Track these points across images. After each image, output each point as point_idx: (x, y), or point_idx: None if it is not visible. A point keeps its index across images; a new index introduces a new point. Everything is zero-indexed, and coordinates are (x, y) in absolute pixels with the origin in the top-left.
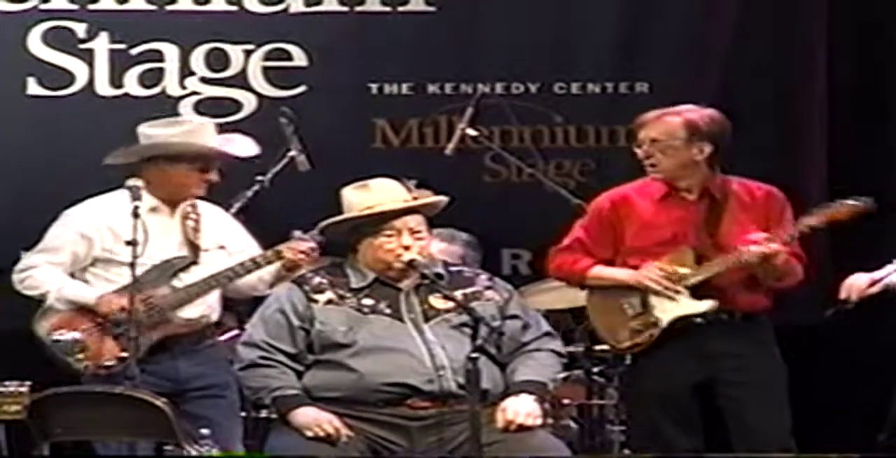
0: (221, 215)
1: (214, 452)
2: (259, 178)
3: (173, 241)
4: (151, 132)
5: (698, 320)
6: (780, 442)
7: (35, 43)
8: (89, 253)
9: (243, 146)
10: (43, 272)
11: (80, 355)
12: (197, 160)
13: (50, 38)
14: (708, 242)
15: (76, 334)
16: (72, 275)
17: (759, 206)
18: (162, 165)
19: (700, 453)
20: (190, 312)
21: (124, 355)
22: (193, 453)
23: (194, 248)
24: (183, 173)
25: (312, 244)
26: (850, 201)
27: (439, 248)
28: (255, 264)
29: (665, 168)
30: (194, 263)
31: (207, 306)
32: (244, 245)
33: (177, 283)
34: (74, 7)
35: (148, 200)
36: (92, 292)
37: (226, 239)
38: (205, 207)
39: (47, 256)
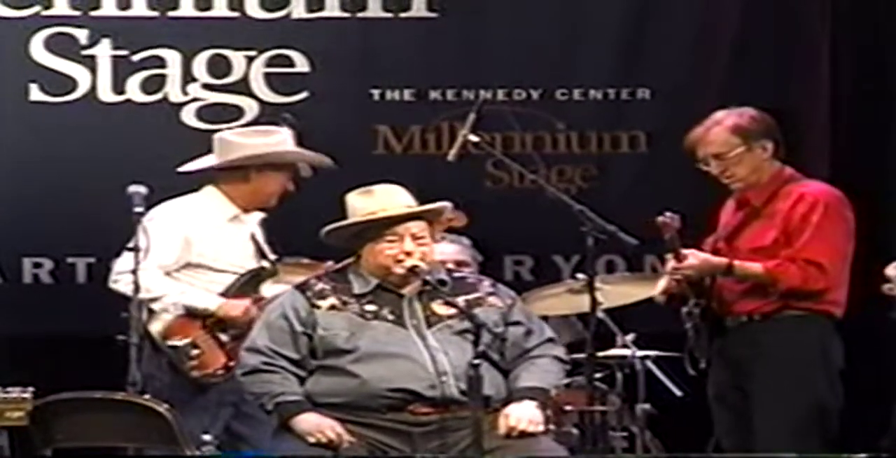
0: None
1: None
2: None
3: (249, 250)
4: (240, 140)
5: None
6: (777, 445)
7: (37, 49)
8: (185, 257)
9: (318, 157)
10: (151, 276)
11: (194, 362)
12: (285, 169)
13: (52, 45)
14: (725, 247)
15: (190, 341)
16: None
17: (786, 210)
18: (251, 174)
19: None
20: None
21: (232, 364)
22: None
23: (264, 257)
24: (270, 182)
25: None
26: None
27: (454, 250)
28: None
29: (741, 176)
30: (276, 273)
31: None
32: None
33: (264, 292)
34: (76, 13)
35: (228, 208)
36: (212, 300)
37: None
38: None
39: (155, 258)
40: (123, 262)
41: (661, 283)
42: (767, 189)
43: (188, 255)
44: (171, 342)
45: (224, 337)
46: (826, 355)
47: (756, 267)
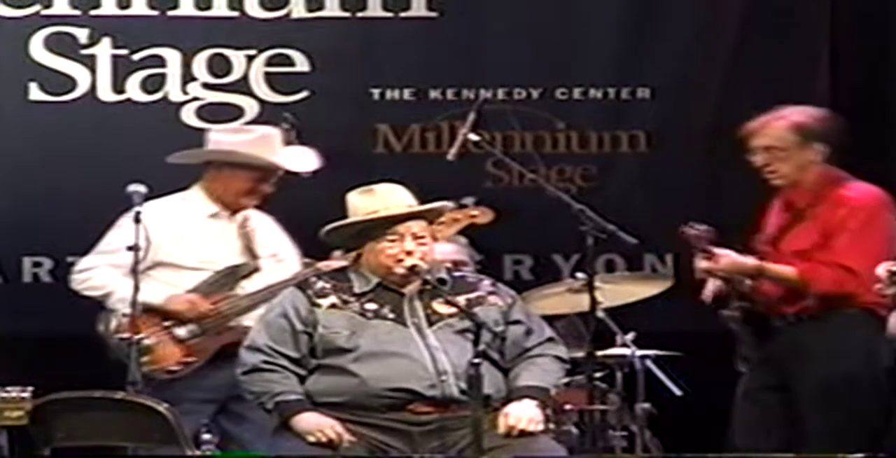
0: (271, 223)
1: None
2: None
3: (234, 247)
4: (218, 137)
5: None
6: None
7: (37, 48)
8: (151, 257)
9: (305, 160)
10: (103, 274)
11: (145, 359)
12: (256, 170)
13: (52, 44)
14: (769, 249)
15: (142, 337)
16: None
17: (827, 214)
18: (224, 172)
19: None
20: (252, 320)
21: (189, 359)
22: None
23: (253, 255)
24: (240, 182)
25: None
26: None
27: (451, 249)
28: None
29: (785, 174)
30: (256, 270)
31: None
32: (291, 254)
33: (239, 290)
34: (76, 13)
35: (208, 206)
36: (159, 295)
37: (277, 247)
38: (256, 216)
39: (107, 257)
40: (84, 260)
41: (709, 286)
42: (812, 191)
43: (155, 254)
44: (119, 337)
45: (181, 333)
46: (872, 354)
47: (788, 270)
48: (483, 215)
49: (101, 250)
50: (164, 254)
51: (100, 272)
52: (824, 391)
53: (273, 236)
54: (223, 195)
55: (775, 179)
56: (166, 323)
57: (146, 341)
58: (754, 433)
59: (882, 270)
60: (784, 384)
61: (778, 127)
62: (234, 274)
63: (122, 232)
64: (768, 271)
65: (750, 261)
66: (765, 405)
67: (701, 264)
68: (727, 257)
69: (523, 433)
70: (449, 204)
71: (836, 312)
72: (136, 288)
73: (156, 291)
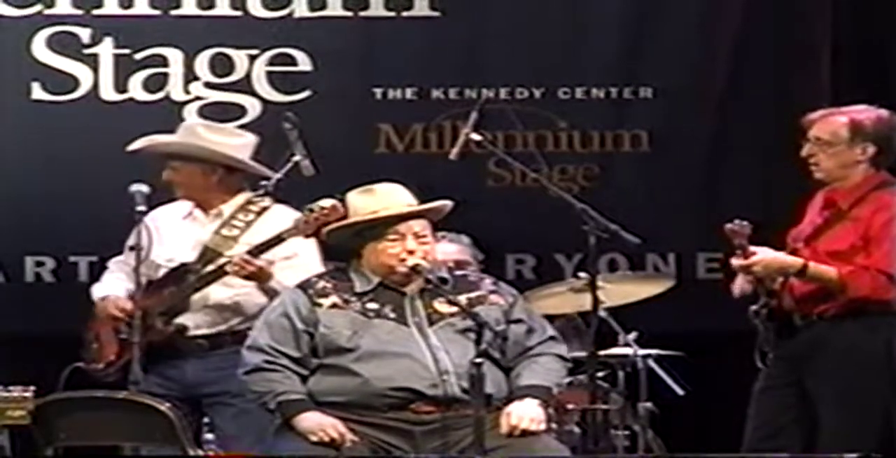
0: (280, 224)
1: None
2: (263, 182)
3: (196, 246)
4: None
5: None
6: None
7: (39, 48)
8: (147, 255)
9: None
10: (106, 273)
11: (92, 355)
12: (197, 162)
13: (54, 43)
14: (804, 247)
15: (93, 334)
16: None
17: (868, 217)
18: (175, 165)
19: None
20: (184, 319)
21: (113, 359)
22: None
23: (215, 255)
24: (179, 174)
25: (259, 264)
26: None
27: (454, 249)
28: (214, 275)
29: (826, 168)
30: (192, 270)
31: (208, 316)
32: (293, 255)
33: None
34: (79, 12)
35: (186, 204)
36: (101, 293)
37: (292, 248)
38: (275, 214)
39: (119, 257)
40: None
41: (738, 282)
42: (856, 193)
43: (147, 254)
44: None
45: (122, 332)
46: (892, 357)
47: (830, 271)
48: (334, 212)
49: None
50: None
51: (107, 272)
52: (841, 390)
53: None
54: (180, 189)
55: (816, 172)
56: (114, 321)
57: (91, 338)
58: (770, 431)
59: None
60: (801, 382)
61: (834, 121)
62: (174, 274)
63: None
64: (811, 271)
65: (791, 259)
66: (781, 402)
67: (737, 261)
68: (764, 254)
69: (525, 433)
70: (449, 203)
71: (859, 313)
72: (139, 287)
73: (104, 289)
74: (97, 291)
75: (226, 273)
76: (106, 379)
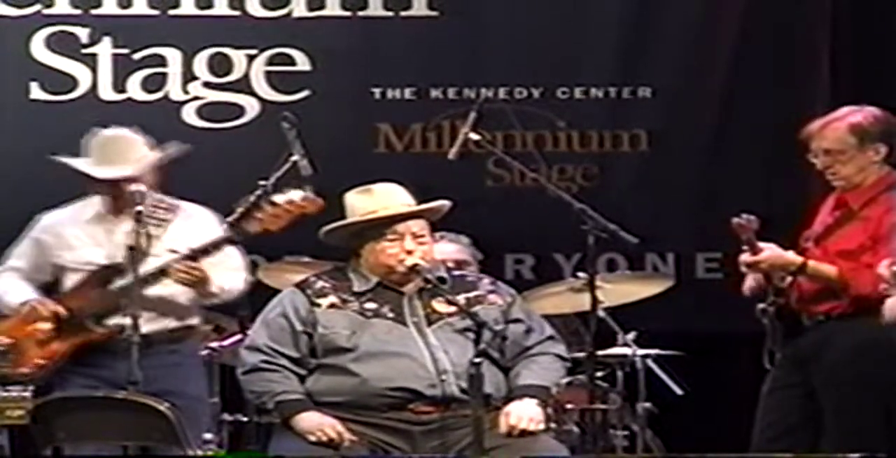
0: (203, 224)
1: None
2: (262, 182)
3: (117, 247)
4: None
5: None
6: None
7: (38, 48)
8: (46, 260)
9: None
10: (5, 280)
11: (3, 362)
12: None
13: (53, 43)
14: (813, 246)
15: (10, 343)
16: (56, 281)
17: (878, 217)
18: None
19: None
20: (116, 319)
21: (42, 362)
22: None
23: (140, 254)
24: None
25: (195, 266)
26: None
27: (453, 249)
28: (154, 279)
29: (845, 175)
30: (120, 270)
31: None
32: (219, 256)
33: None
34: (77, 12)
35: (88, 206)
36: (19, 298)
37: (185, 246)
38: (190, 213)
39: (10, 261)
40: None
41: (749, 279)
42: (868, 193)
43: (48, 257)
44: None
45: (42, 334)
46: None
47: (830, 269)
48: (312, 205)
49: (9, 254)
50: (54, 257)
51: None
52: (848, 391)
53: (190, 235)
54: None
55: (836, 181)
56: (35, 325)
57: (7, 344)
58: (778, 431)
59: (885, 268)
60: (809, 382)
61: (835, 129)
62: (99, 274)
63: (26, 235)
64: (810, 269)
65: (793, 256)
66: (789, 402)
67: (744, 257)
68: (771, 250)
69: (524, 433)
70: (447, 203)
71: (866, 313)
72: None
73: (20, 294)
74: (11, 297)
75: (165, 276)
76: (35, 384)
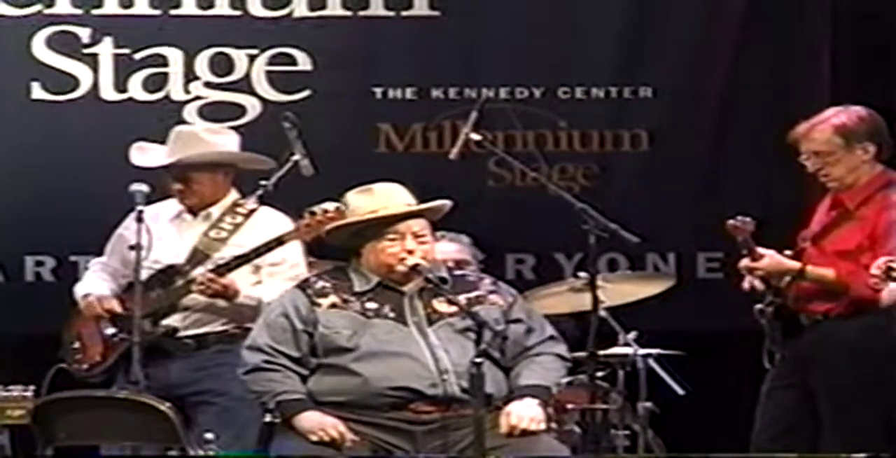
0: (271, 230)
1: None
2: (263, 182)
3: (185, 248)
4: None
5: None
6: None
7: (39, 47)
8: (125, 255)
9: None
10: (88, 274)
11: (75, 356)
12: (214, 169)
13: (54, 43)
14: (811, 247)
15: (74, 334)
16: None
17: (874, 216)
18: (193, 175)
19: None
20: (172, 320)
21: (98, 359)
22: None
23: (203, 257)
24: (206, 182)
25: (224, 282)
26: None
27: (454, 248)
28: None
29: (837, 176)
30: (181, 272)
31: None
32: (281, 261)
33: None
34: (78, 12)
35: (173, 205)
36: (83, 291)
37: (279, 254)
38: (262, 218)
39: (101, 258)
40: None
41: (748, 278)
42: (863, 193)
43: (125, 252)
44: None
45: (107, 331)
46: None
47: (828, 273)
48: (338, 215)
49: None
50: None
51: (88, 273)
52: (847, 390)
53: (258, 239)
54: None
55: (830, 183)
56: (99, 322)
57: (76, 338)
58: (778, 431)
59: (876, 267)
60: (808, 382)
61: (821, 131)
62: (159, 275)
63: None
64: (809, 274)
65: (791, 263)
66: (788, 402)
67: (742, 262)
68: (770, 256)
69: (525, 433)
70: (448, 203)
71: (864, 313)
72: (139, 284)
73: (87, 288)
74: (80, 289)
75: (190, 292)
76: (91, 380)
